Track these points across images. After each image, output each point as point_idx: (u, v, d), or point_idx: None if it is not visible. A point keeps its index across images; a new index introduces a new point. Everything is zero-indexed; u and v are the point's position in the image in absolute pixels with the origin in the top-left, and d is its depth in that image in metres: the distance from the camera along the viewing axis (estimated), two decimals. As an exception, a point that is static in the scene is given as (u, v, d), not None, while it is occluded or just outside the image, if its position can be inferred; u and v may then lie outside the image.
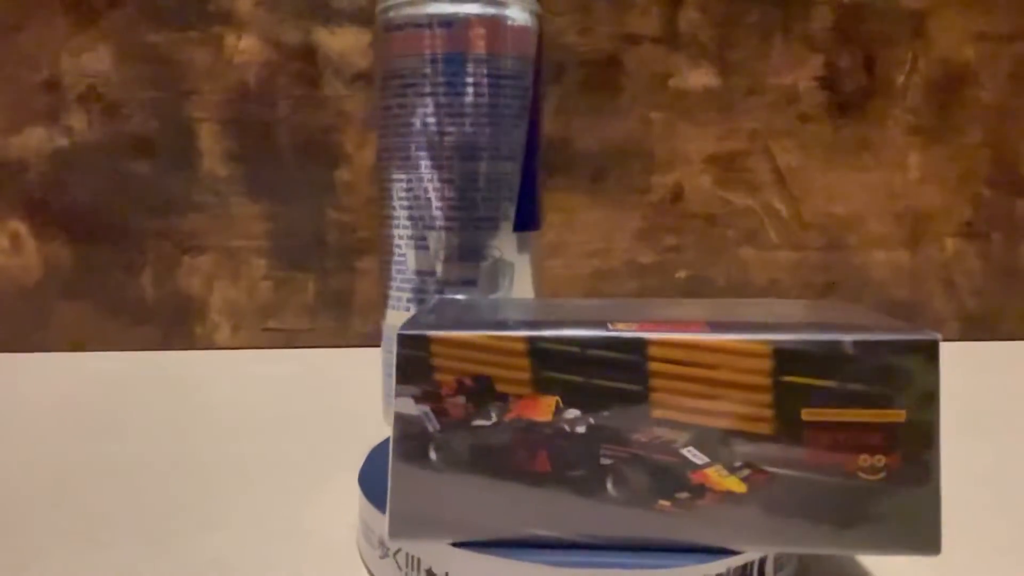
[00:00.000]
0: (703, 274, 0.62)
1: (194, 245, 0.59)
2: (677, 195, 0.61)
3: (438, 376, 0.23)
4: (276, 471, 0.35)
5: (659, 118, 0.61)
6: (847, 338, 0.22)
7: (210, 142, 0.59)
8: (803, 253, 0.63)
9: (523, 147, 0.31)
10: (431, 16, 0.29)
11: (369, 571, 0.26)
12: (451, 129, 0.30)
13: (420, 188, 0.31)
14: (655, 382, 0.22)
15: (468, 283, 0.31)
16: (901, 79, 0.61)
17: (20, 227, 0.59)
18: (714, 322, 0.24)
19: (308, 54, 0.58)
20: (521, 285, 0.32)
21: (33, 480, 0.34)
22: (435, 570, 0.23)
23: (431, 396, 0.23)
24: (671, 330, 0.22)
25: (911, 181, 0.62)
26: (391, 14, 0.30)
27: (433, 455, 0.23)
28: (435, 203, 0.31)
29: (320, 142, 0.59)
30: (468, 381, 0.23)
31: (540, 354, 0.22)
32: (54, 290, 0.59)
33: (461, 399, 0.23)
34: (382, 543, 0.25)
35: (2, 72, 0.57)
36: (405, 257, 0.31)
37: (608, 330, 0.22)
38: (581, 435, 0.22)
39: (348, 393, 0.48)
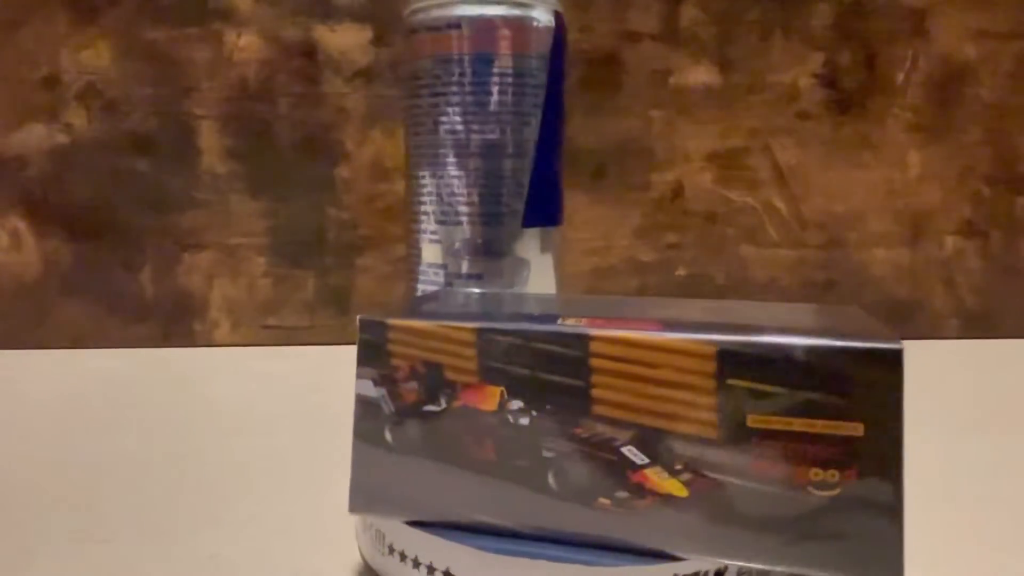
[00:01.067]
0: (703, 272, 0.62)
1: (194, 242, 0.59)
2: (677, 193, 0.61)
3: (394, 361, 0.23)
4: (275, 468, 0.35)
5: (659, 115, 0.60)
6: (797, 342, 0.20)
7: (210, 139, 0.59)
8: (803, 251, 0.63)
9: (534, 143, 0.31)
10: (459, 18, 0.30)
11: (369, 568, 0.26)
12: (473, 127, 0.30)
13: (434, 184, 0.31)
14: (597, 378, 0.22)
15: (475, 277, 0.31)
16: (901, 77, 0.61)
17: (20, 224, 0.59)
18: (669, 321, 0.23)
19: (308, 51, 0.58)
20: (541, 281, 0.32)
21: (33, 477, 0.34)
22: (436, 565, 0.24)
23: (387, 380, 0.24)
24: (614, 327, 0.22)
25: (911, 179, 0.62)
26: (420, 16, 0.31)
27: (388, 436, 0.24)
28: (444, 199, 0.31)
29: (320, 139, 0.59)
30: (420, 367, 0.23)
31: (487, 345, 0.23)
32: (54, 287, 0.59)
33: (414, 384, 0.23)
34: (384, 540, 0.25)
35: (2, 69, 0.57)
36: (420, 251, 0.32)
37: (553, 324, 0.22)
38: (524, 427, 0.23)
39: (347, 390, 0.48)
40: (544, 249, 0.32)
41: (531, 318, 0.23)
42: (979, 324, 0.64)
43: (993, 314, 0.64)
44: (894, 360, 0.20)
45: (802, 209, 0.62)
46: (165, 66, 0.58)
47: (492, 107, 0.30)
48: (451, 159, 0.31)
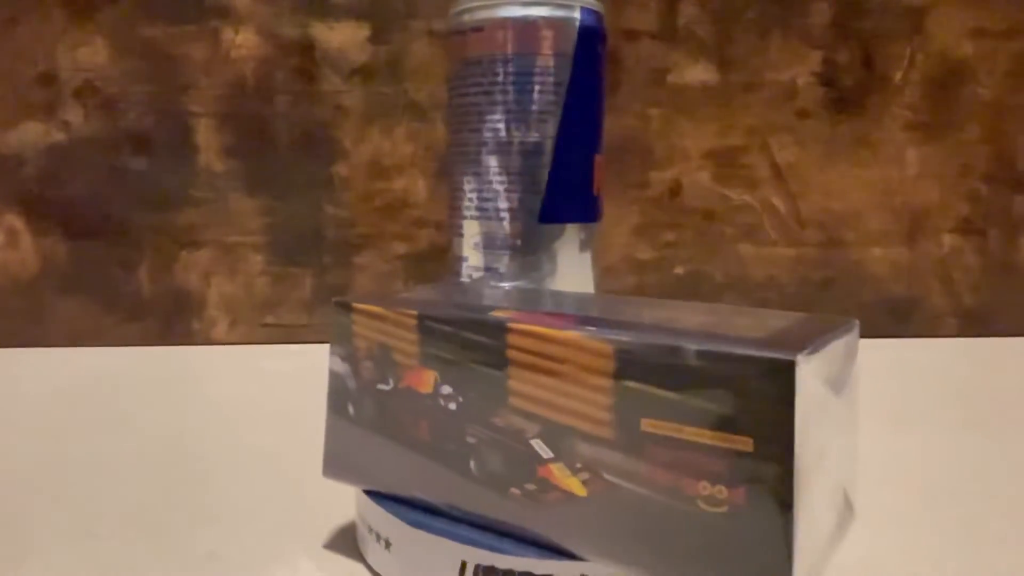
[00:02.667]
0: (701, 270, 0.62)
1: (191, 240, 0.59)
2: (675, 191, 0.61)
3: (356, 341, 0.25)
4: (273, 465, 0.35)
5: (657, 114, 0.60)
6: (689, 346, 0.19)
7: (207, 137, 0.59)
8: (801, 249, 0.63)
9: (552, 139, 0.31)
10: (504, 19, 0.30)
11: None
12: (514, 127, 0.31)
13: (474, 181, 0.32)
14: (512, 369, 0.22)
15: (491, 270, 0.32)
16: (899, 75, 0.61)
17: (16, 222, 0.59)
18: (587, 318, 0.22)
19: (306, 49, 0.58)
20: (579, 279, 0.32)
21: (30, 475, 0.34)
22: (380, 532, 0.25)
23: (351, 358, 0.25)
24: (532, 320, 0.22)
25: (909, 177, 0.62)
26: (465, 17, 0.31)
27: (351, 410, 0.26)
28: (484, 196, 0.32)
29: (317, 137, 0.59)
30: (375, 349, 0.25)
31: (425, 330, 0.24)
32: (51, 285, 0.59)
33: (369, 363, 0.25)
34: (379, 535, 0.25)
35: (-2, 66, 0.57)
36: (461, 246, 0.33)
37: (479, 314, 0.23)
38: (452, 411, 0.23)
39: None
40: (583, 248, 0.32)
41: (467, 308, 0.24)
42: (977, 322, 0.64)
43: (991, 312, 0.64)
44: (785, 373, 0.18)
45: (800, 207, 0.62)
46: (162, 63, 0.58)
47: (534, 107, 0.31)
48: (492, 157, 0.31)
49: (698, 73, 0.60)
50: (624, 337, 0.20)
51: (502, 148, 0.31)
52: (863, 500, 0.32)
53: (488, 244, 0.32)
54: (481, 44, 0.31)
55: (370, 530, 0.25)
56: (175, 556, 0.27)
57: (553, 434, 0.21)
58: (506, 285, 0.31)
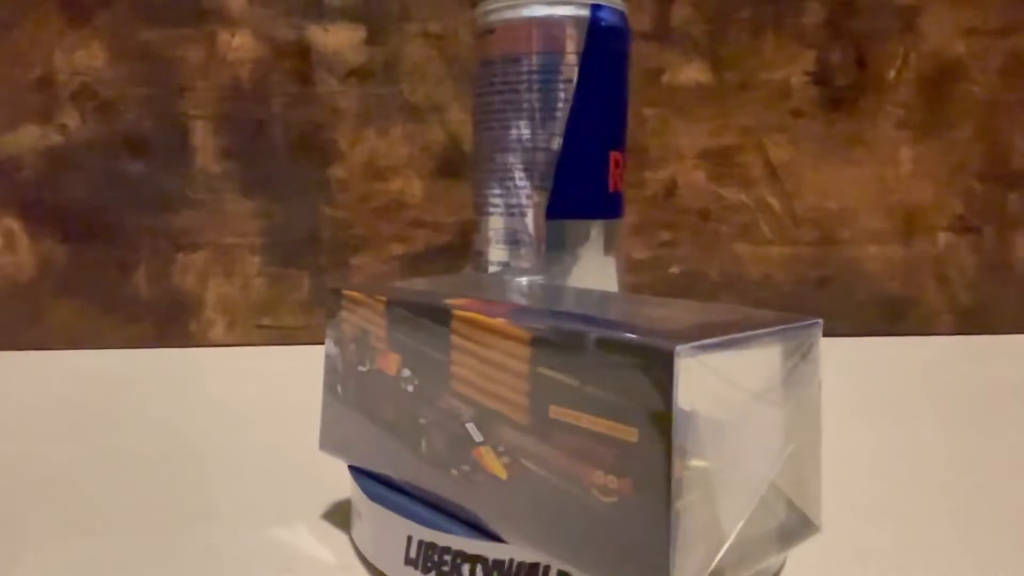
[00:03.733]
0: (697, 269, 0.62)
1: (188, 242, 0.59)
2: (670, 190, 0.62)
3: (344, 325, 0.27)
4: (269, 464, 0.35)
5: (652, 114, 0.61)
6: (592, 333, 0.19)
7: (204, 139, 0.59)
8: (796, 248, 0.63)
9: (561, 135, 0.31)
10: (529, 19, 0.31)
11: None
12: (539, 125, 0.31)
13: (499, 179, 0.32)
14: (453, 354, 0.23)
15: (503, 264, 0.32)
16: (892, 74, 0.62)
17: (14, 225, 0.59)
18: (524, 307, 0.23)
19: (301, 51, 0.59)
20: (603, 277, 0.32)
21: (28, 474, 0.34)
22: (356, 506, 0.26)
23: (340, 341, 0.27)
24: (471, 307, 0.23)
25: (903, 175, 0.63)
26: (491, 17, 0.31)
27: (339, 389, 0.27)
28: (483, 189, 0.32)
29: (313, 139, 0.59)
30: (358, 332, 0.26)
31: (391, 315, 0.25)
32: (48, 288, 0.59)
33: (353, 346, 0.26)
34: (355, 509, 0.26)
35: (-5, 70, 0.57)
36: (486, 243, 0.33)
37: (430, 299, 0.24)
38: (410, 393, 0.25)
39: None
40: (607, 247, 0.32)
41: (428, 295, 0.25)
42: (972, 320, 0.64)
43: (986, 310, 0.64)
44: (663, 363, 0.17)
45: (795, 206, 0.62)
46: (159, 66, 0.58)
47: (559, 105, 0.31)
48: (514, 154, 0.32)
49: (692, 73, 0.61)
50: (539, 324, 0.21)
51: (524, 145, 0.31)
52: (861, 496, 0.32)
53: (510, 240, 0.32)
54: (501, 44, 0.32)
55: (350, 501, 0.27)
56: (173, 551, 0.27)
57: (484, 418, 0.22)
58: (523, 280, 0.32)
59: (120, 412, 0.43)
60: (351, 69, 0.59)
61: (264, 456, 0.36)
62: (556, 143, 0.31)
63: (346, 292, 0.27)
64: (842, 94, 0.62)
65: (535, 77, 0.31)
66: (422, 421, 0.24)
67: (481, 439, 0.22)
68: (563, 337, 0.20)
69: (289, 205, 0.60)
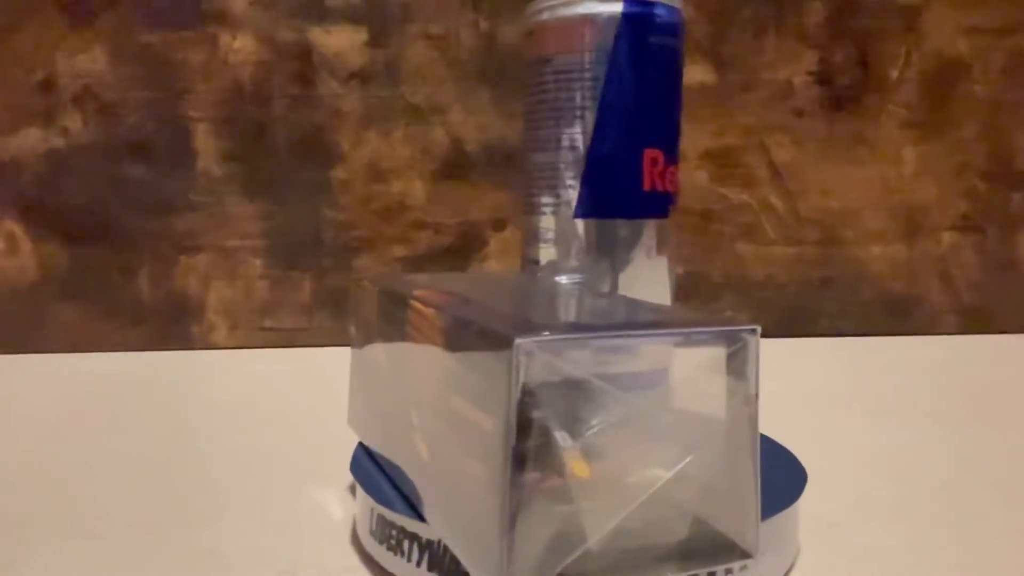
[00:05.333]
0: (700, 270, 0.62)
1: (190, 245, 0.59)
2: (673, 191, 0.61)
3: (359, 311, 0.29)
4: (273, 465, 0.35)
5: (654, 114, 0.61)
6: (476, 323, 0.19)
7: (205, 142, 0.59)
8: (800, 248, 0.63)
9: (589, 134, 0.31)
10: (583, 16, 0.30)
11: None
12: (589, 123, 0.31)
13: (528, 177, 0.32)
14: (406, 343, 0.24)
15: (534, 262, 0.32)
16: (895, 74, 0.62)
17: (16, 228, 0.59)
18: (461, 299, 0.23)
19: (303, 53, 0.58)
20: (653, 281, 0.32)
21: (31, 477, 0.34)
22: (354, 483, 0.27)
23: (356, 325, 0.29)
24: (419, 297, 0.24)
25: (906, 175, 0.63)
26: (545, 16, 0.31)
27: (359, 369, 0.29)
28: (528, 189, 0.33)
29: (315, 141, 0.59)
30: (362, 318, 0.28)
31: (380, 304, 0.27)
32: (50, 291, 0.59)
33: (362, 331, 0.28)
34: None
35: (-3, 73, 0.57)
36: (536, 243, 0.33)
37: (402, 289, 0.25)
38: (385, 377, 0.26)
39: (345, 391, 0.48)
40: (659, 248, 0.32)
41: (406, 284, 0.27)
42: (976, 319, 0.64)
43: (990, 309, 0.64)
44: (506, 353, 0.17)
45: (798, 206, 0.62)
46: (160, 69, 0.58)
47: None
48: (553, 154, 0.31)
49: (695, 73, 0.60)
50: (449, 314, 0.21)
51: (560, 144, 0.31)
52: (869, 494, 0.32)
53: (554, 240, 0.32)
54: (548, 42, 0.31)
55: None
56: (176, 553, 0.27)
57: (420, 404, 0.23)
58: (563, 279, 0.31)
59: (123, 415, 0.43)
60: (353, 71, 0.59)
61: (267, 458, 0.36)
62: (586, 140, 0.31)
63: (361, 281, 0.29)
64: (845, 94, 0.61)
65: (561, 76, 0.31)
66: (389, 404, 0.26)
67: (416, 423, 0.23)
68: (458, 328, 0.20)
69: (291, 207, 0.60)
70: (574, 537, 0.18)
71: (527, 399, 0.18)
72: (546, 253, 0.32)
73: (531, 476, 0.18)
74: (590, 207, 0.31)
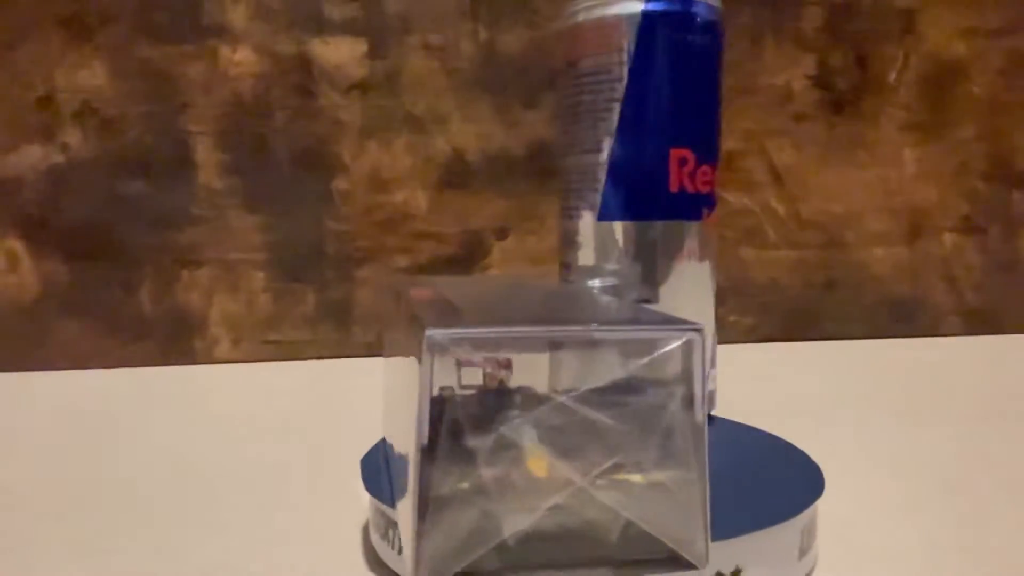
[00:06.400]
0: (703, 275, 0.62)
1: (192, 259, 0.59)
2: (675, 197, 0.61)
3: (384, 315, 0.31)
4: (282, 478, 0.35)
5: (654, 120, 0.61)
6: (423, 318, 0.20)
7: (206, 155, 0.59)
8: (802, 251, 0.63)
9: (613, 136, 0.31)
10: (606, 18, 0.30)
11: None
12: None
13: (566, 182, 0.32)
14: (399, 335, 0.25)
15: (567, 266, 0.32)
16: (893, 76, 0.62)
17: (17, 245, 0.58)
18: (440, 298, 0.24)
19: (303, 65, 0.59)
20: (684, 283, 0.31)
21: (37, 494, 0.34)
22: None
23: (383, 329, 0.31)
24: (412, 295, 0.24)
25: (907, 177, 0.63)
26: (570, 20, 0.31)
27: (386, 375, 0.29)
28: (564, 193, 0.32)
29: (316, 152, 0.59)
30: (386, 319, 0.29)
31: (396, 300, 0.27)
32: (52, 308, 0.59)
33: (386, 334, 0.29)
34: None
35: (-3, 90, 0.57)
36: (574, 246, 0.33)
37: (403, 287, 0.26)
38: (390, 372, 0.27)
39: (351, 403, 0.48)
40: (702, 252, 0.31)
41: (414, 283, 0.28)
42: (980, 320, 0.64)
43: (994, 310, 0.64)
44: (421, 343, 0.18)
45: (800, 210, 0.62)
46: (160, 83, 0.58)
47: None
48: (583, 157, 0.31)
49: (694, 79, 0.61)
50: (409, 309, 0.21)
51: (588, 147, 0.31)
52: (882, 494, 0.32)
53: (586, 244, 0.31)
54: (573, 46, 0.31)
55: None
56: (184, 565, 0.27)
57: (402, 398, 0.23)
58: (596, 283, 0.31)
59: (127, 431, 0.43)
60: (353, 82, 0.59)
61: (274, 471, 0.36)
62: (610, 142, 0.31)
63: (388, 282, 0.32)
64: (844, 97, 0.62)
65: (586, 79, 0.31)
66: (393, 405, 0.26)
67: (396, 416, 0.24)
68: (412, 324, 0.20)
69: (293, 219, 0.59)
70: (490, 531, 0.18)
71: (440, 392, 0.18)
72: (578, 257, 0.32)
73: (442, 468, 0.18)
74: (615, 209, 0.31)
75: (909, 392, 0.47)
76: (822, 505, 0.30)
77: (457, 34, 0.59)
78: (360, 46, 0.59)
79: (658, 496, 0.19)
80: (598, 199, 0.31)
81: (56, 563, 0.27)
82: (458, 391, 0.19)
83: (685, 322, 0.19)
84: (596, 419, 0.19)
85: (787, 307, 0.63)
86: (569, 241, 0.32)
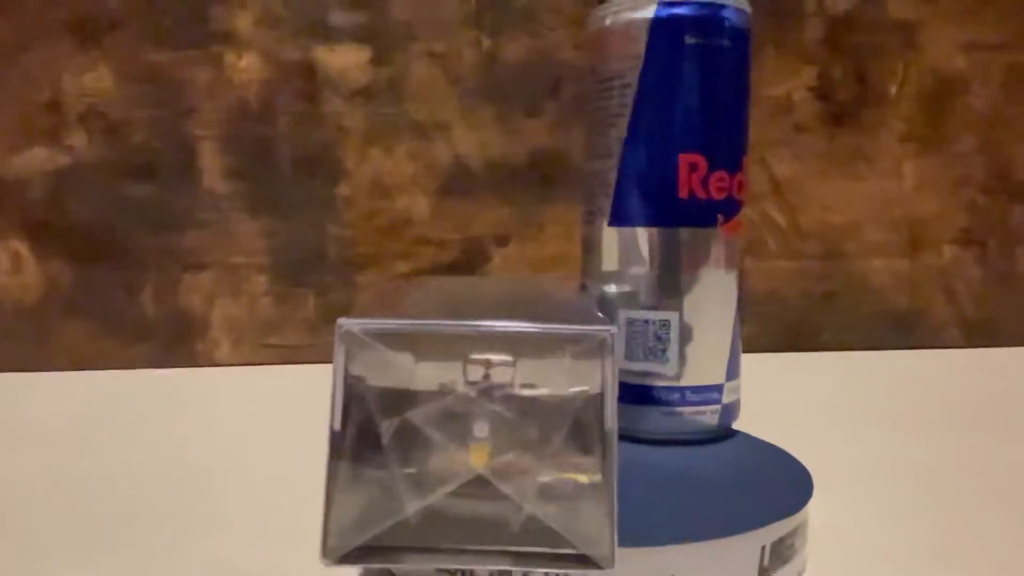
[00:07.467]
0: (703, 284, 0.62)
1: (194, 262, 0.60)
2: (675, 206, 0.62)
3: None
4: (282, 481, 0.35)
5: (655, 130, 0.61)
6: (368, 304, 0.21)
7: (210, 159, 0.59)
8: (802, 262, 0.63)
9: (621, 143, 0.31)
10: (621, 23, 0.30)
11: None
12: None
13: (589, 187, 0.32)
14: None
15: (584, 272, 0.32)
16: (894, 89, 0.62)
17: (21, 246, 0.59)
18: (429, 293, 0.25)
19: (308, 72, 0.59)
20: (708, 291, 0.30)
21: (38, 493, 0.34)
22: None
23: None
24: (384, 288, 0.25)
25: (907, 189, 0.63)
26: (600, 24, 0.31)
27: None
28: (585, 198, 0.32)
29: (320, 158, 0.60)
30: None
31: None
32: (55, 309, 0.59)
33: None
34: None
35: (5, 92, 0.58)
36: (598, 252, 0.33)
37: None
38: None
39: (350, 404, 0.48)
40: (728, 262, 0.30)
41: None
42: (980, 332, 0.64)
43: (993, 322, 0.64)
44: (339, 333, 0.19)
45: (800, 221, 0.63)
46: (166, 88, 0.58)
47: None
48: (608, 163, 0.31)
49: (695, 90, 0.61)
50: (362, 302, 0.23)
51: (610, 153, 0.31)
52: (879, 500, 0.32)
53: (596, 249, 0.31)
54: (593, 52, 0.31)
55: None
56: (184, 566, 0.27)
57: None
58: (612, 289, 0.31)
59: (128, 432, 0.43)
60: (357, 89, 0.59)
61: (274, 471, 0.36)
62: (620, 147, 0.31)
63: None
64: (844, 109, 0.62)
65: (603, 85, 0.31)
66: None
67: None
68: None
69: (295, 224, 0.60)
70: (393, 510, 0.19)
71: (351, 380, 0.19)
72: (593, 262, 0.32)
73: (352, 450, 0.20)
74: (623, 215, 0.31)
75: (907, 402, 0.47)
76: (814, 513, 0.30)
77: (460, 42, 0.60)
78: (364, 53, 0.59)
79: (563, 493, 0.19)
80: (610, 204, 0.31)
81: (57, 563, 0.27)
82: (460, 388, 0.19)
83: (604, 323, 0.19)
84: (499, 412, 0.19)
85: (787, 318, 0.63)
86: (586, 246, 0.32)
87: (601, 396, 0.19)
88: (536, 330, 0.19)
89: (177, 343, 0.60)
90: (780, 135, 0.62)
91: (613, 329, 0.19)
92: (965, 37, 0.62)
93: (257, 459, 0.38)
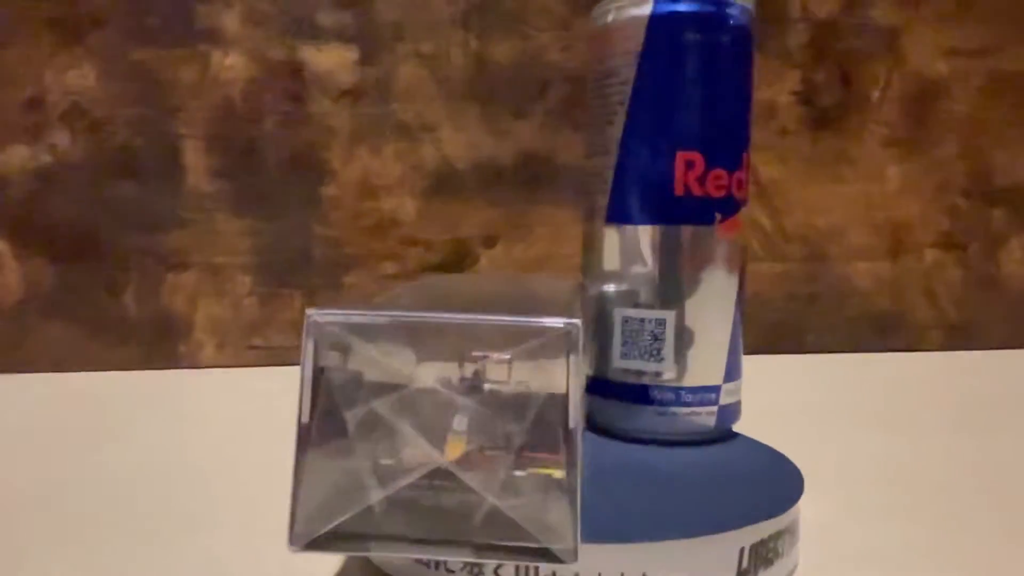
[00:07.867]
0: (688, 286, 0.62)
1: (178, 262, 0.59)
2: (661, 208, 0.62)
3: None
4: (265, 482, 0.35)
5: (642, 133, 0.61)
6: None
7: (195, 158, 0.59)
8: (786, 265, 0.63)
9: (618, 141, 0.30)
10: (618, 21, 0.30)
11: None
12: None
13: (589, 186, 0.32)
14: None
15: (583, 269, 0.32)
16: (877, 93, 0.63)
17: (1, 246, 0.58)
18: (420, 290, 0.25)
19: (294, 71, 0.59)
20: (708, 290, 0.30)
21: (20, 493, 0.34)
22: None
23: None
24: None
25: (889, 193, 0.64)
26: (610, 18, 0.31)
27: None
28: (587, 195, 0.32)
29: (306, 158, 0.59)
30: None
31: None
32: (35, 309, 0.58)
33: None
34: None
35: (-15, 90, 0.57)
36: (599, 252, 0.33)
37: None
38: None
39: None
40: (730, 264, 0.30)
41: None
42: (960, 335, 0.64)
43: (974, 325, 0.65)
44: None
45: (784, 223, 0.63)
46: (151, 86, 0.58)
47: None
48: (605, 161, 0.31)
49: (681, 93, 0.61)
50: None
51: (608, 150, 0.31)
52: (865, 498, 0.32)
53: (595, 247, 0.31)
54: (593, 51, 0.31)
55: None
56: (173, 560, 0.26)
57: None
58: (610, 287, 0.31)
59: (110, 434, 0.42)
60: (344, 89, 0.59)
61: (259, 471, 0.36)
62: (616, 145, 0.31)
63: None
64: (828, 113, 0.63)
65: (601, 83, 0.31)
66: None
67: None
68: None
69: (281, 224, 0.59)
70: (358, 499, 0.20)
71: (318, 371, 0.20)
72: (591, 259, 0.31)
73: (319, 439, 0.20)
74: (619, 213, 0.30)
75: (890, 403, 0.47)
76: (804, 511, 0.30)
77: (448, 43, 0.60)
78: (351, 53, 0.59)
79: (528, 487, 0.19)
80: (607, 201, 0.31)
81: (39, 566, 0.27)
82: (428, 381, 0.20)
83: (569, 317, 0.19)
84: (462, 403, 0.20)
85: (770, 320, 0.63)
86: (584, 243, 0.32)
87: (564, 390, 0.19)
88: (496, 322, 0.19)
89: (160, 344, 0.59)
90: (765, 139, 0.62)
91: (577, 323, 0.19)
92: (947, 43, 0.63)
93: (242, 460, 0.37)
